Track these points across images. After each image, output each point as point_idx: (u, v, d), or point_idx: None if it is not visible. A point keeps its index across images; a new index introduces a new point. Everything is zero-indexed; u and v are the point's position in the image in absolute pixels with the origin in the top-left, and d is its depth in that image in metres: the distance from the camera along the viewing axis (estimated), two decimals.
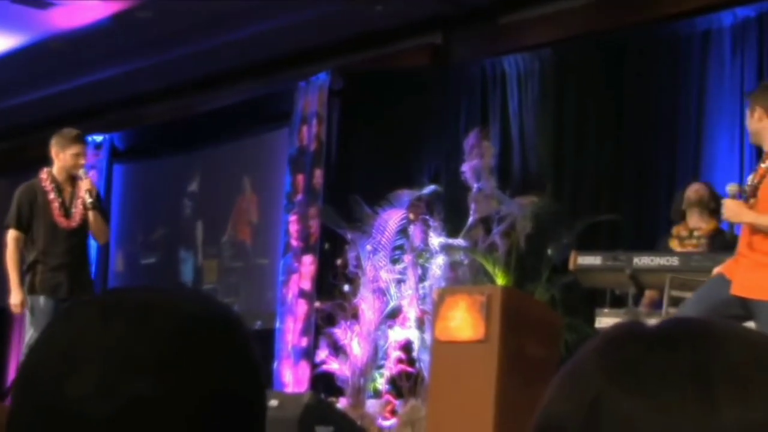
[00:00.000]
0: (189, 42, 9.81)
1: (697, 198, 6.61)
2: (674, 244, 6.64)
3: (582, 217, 7.69)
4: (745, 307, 4.47)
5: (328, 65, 9.81)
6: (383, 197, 8.41)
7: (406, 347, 8.09)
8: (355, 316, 8.31)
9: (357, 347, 8.24)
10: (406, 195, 8.37)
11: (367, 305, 8.26)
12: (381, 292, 8.27)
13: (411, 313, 8.08)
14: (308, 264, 9.48)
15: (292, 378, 9.21)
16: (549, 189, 8.02)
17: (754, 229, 4.50)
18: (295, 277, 9.55)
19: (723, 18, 7.69)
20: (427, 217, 8.25)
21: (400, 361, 8.05)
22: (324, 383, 8.50)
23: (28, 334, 6.69)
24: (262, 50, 9.96)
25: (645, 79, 8.10)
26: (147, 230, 12.05)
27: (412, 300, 8.10)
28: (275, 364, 9.34)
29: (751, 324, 4.36)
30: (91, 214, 6.58)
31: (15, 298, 6.49)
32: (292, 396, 6.69)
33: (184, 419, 0.89)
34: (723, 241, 6.16)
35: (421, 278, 8.13)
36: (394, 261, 8.32)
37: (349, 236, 8.49)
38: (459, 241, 8.08)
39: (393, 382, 8.08)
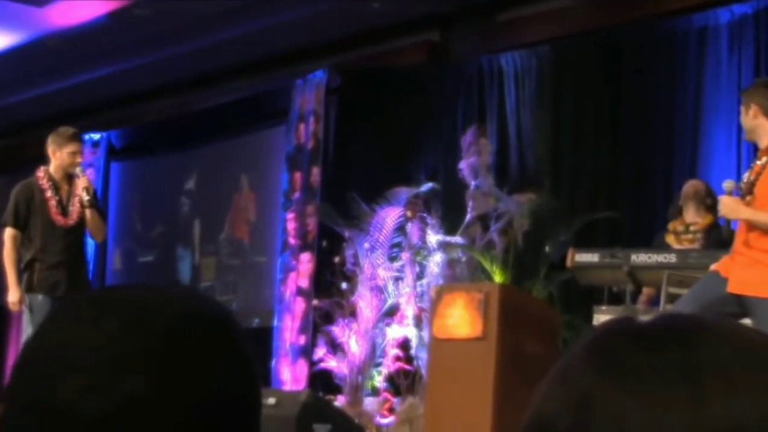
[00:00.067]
0: (186, 40, 9.80)
1: (694, 191, 6.62)
2: (670, 239, 6.65)
3: (580, 215, 7.70)
4: (741, 305, 4.47)
5: (326, 63, 9.80)
6: (381, 195, 8.42)
7: (404, 345, 8.09)
8: (353, 313, 8.31)
9: (355, 345, 8.24)
10: (404, 192, 8.37)
11: (364, 303, 8.27)
12: (379, 290, 8.27)
13: (409, 310, 8.08)
14: (306, 262, 9.48)
15: (290, 376, 9.21)
16: (546, 186, 8.02)
17: (751, 226, 4.50)
18: (292, 275, 9.54)
19: (720, 15, 7.69)
20: (425, 214, 8.25)
21: (398, 358, 8.05)
22: (322, 381, 8.50)
23: (26, 332, 6.70)
24: (260, 48, 9.95)
25: (642, 76, 8.10)
26: (144, 228, 12.04)
27: (409, 298, 8.10)
28: (273, 362, 9.34)
29: (747, 321, 4.36)
30: (88, 212, 6.58)
31: (13, 296, 6.49)
32: (290, 394, 6.69)
33: (177, 418, 0.89)
34: (719, 236, 6.17)
35: (419, 276, 8.13)
36: (392, 259, 8.32)
37: (346, 234, 8.49)
38: (457, 239, 8.08)
39: (391, 379, 8.08)
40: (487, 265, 7.87)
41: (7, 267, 6.54)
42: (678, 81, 7.87)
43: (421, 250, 8.18)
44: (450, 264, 8.04)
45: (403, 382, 7.94)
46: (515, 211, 7.82)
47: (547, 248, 7.68)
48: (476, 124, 8.47)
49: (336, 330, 8.34)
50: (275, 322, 9.58)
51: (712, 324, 0.76)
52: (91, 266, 8.12)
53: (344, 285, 8.37)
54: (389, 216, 8.35)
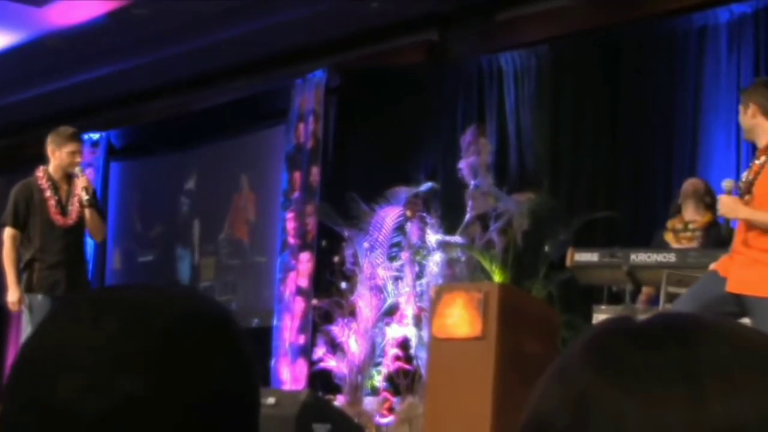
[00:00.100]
0: (185, 40, 9.80)
1: (693, 189, 6.63)
2: (669, 237, 6.65)
3: (579, 214, 7.70)
4: (740, 304, 4.47)
5: (325, 62, 9.80)
6: (380, 194, 8.42)
7: (404, 344, 8.09)
8: (352, 313, 8.31)
9: (354, 345, 8.25)
10: (403, 192, 8.37)
11: (364, 302, 8.27)
12: (378, 290, 8.27)
13: (408, 310, 8.08)
14: (305, 261, 9.48)
15: (289, 375, 9.21)
16: (546, 186, 8.02)
17: (750, 226, 4.50)
18: (292, 274, 9.55)
19: (719, 14, 7.70)
20: (424, 214, 8.25)
21: (397, 358, 8.05)
22: (321, 381, 8.50)
23: (26, 332, 6.69)
24: (259, 48, 9.95)
25: (641, 75, 8.10)
26: (144, 228, 12.04)
27: (409, 297, 8.10)
28: (273, 362, 9.34)
29: (746, 320, 4.36)
30: (87, 212, 6.57)
31: (12, 295, 6.49)
32: (290, 393, 6.69)
33: (177, 418, 0.89)
34: (718, 235, 6.17)
35: (419, 275, 8.13)
36: (392, 258, 8.32)
37: (346, 233, 8.49)
38: (456, 238, 8.08)
39: (390, 379, 8.08)
40: (486, 264, 7.87)
41: (7, 267, 6.54)
42: (677, 80, 7.87)
43: (420, 250, 8.18)
44: (449, 263, 8.04)
45: (402, 382, 7.94)
46: (514, 210, 7.82)
47: (546, 248, 7.68)
48: (475, 123, 8.47)
49: (335, 329, 8.34)
50: (275, 322, 9.58)
51: (711, 323, 0.75)
52: (90, 266, 8.12)
53: (344, 284, 8.37)
54: (389, 215, 8.35)
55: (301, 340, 9.27)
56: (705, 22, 7.77)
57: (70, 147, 6.57)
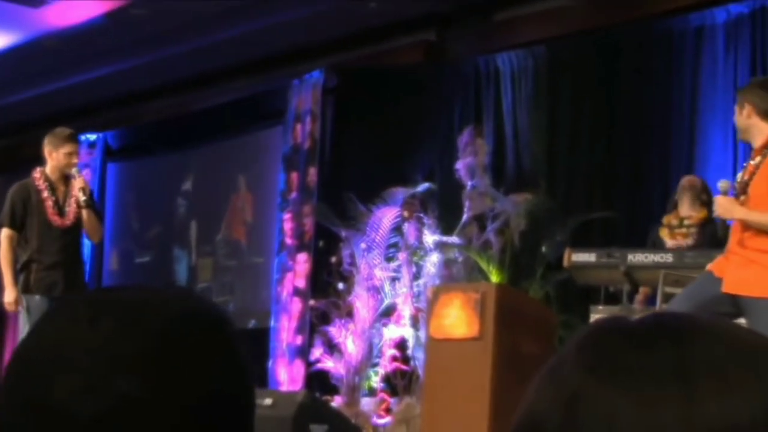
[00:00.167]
0: (182, 40, 9.80)
1: (690, 184, 6.65)
2: (664, 233, 6.66)
3: (576, 215, 7.70)
4: (736, 305, 4.47)
5: (322, 63, 9.80)
6: (377, 195, 8.42)
7: (401, 345, 8.09)
8: (349, 314, 8.31)
9: (352, 345, 8.24)
10: (401, 193, 8.37)
11: (361, 303, 8.27)
12: (375, 290, 8.27)
13: (405, 310, 8.08)
14: (303, 262, 9.47)
15: (286, 376, 9.21)
16: (543, 186, 8.03)
17: (745, 226, 4.50)
18: (289, 275, 9.54)
19: (716, 15, 7.70)
20: (422, 214, 8.26)
21: (394, 359, 8.05)
22: (319, 381, 8.50)
23: (23, 333, 6.69)
24: (256, 48, 9.95)
25: (638, 76, 8.11)
26: (141, 229, 12.04)
27: (406, 298, 8.10)
28: (270, 363, 9.34)
29: (741, 321, 4.36)
30: (84, 213, 6.57)
31: (9, 296, 6.49)
32: (287, 394, 6.68)
33: (173, 419, 0.89)
34: (713, 232, 6.17)
35: (416, 276, 8.13)
36: (389, 259, 8.32)
37: (343, 234, 8.49)
38: (453, 239, 8.08)
39: (388, 380, 8.08)
40: (483, 265, 7.87)
41: (3, 267, 6.54)
42: (674, 80, 7.88)
43: (417, 251, 8.18)
44: (447, 264, 8.05)
45: (400, 383, 7.94)
46: (512, 211, 7.82)
47: (543, 248, 7.68)
48: (473, 124, 8.48)
49: (333, 330, 8.34)
50: (272, 323, 9.58)
51: (705, 323, 0.75)
52: (87, 267, 8.12)
53: (341, 285, 8.37)
54: (386, 216, 8.35)
55: (299, 340, 9.26)
56: (702, 22, 7.78)
57: (67, 148, 6.57)
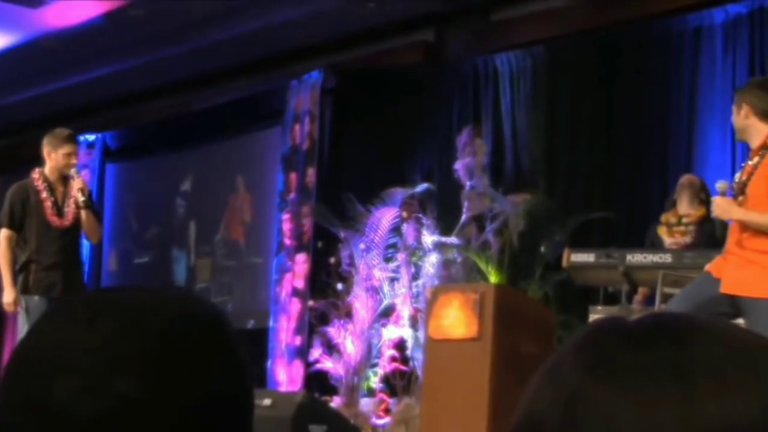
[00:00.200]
0: (181, 40, 9.80)
1: (689, 182, 6.66)
2: (662, 231, 6.67)
3: (575, 215, 7.70)
4: (734, 305, 4.47)
5: (321, 63, 9.80)
6: (376, 195, 8.42)
7: (400, 345, 8.09)
8: (348, 314, 8.31)
9: (350, 346, 8.24)
10: (399, 193, 8.37)
11: (360, 304, 8.27)
12: (374, 291, 8.27)
13: (404, 311, 8.08)
14: (301, 263, 9.47)
15: (285, 377, 9.21)
16: (542, 186, 8.03)
17: (744, 227, 4.50)
18: (288, 275, 9.54)
19: (715, 15, 7.71)
20: (420, 215, 8.26)
21: (393, 359, 8.05)
22: (318, 382, 8.50)
23: (22, 333, 6.68)
24: (255, 48, 9.95)
25: (637, 76, 8.11)
26: (140, 229, 12.04)
27: (405, 298, 8.10)
28: (269, 363, 9.34)
29: (740, 321, 4.36)
30: (83, 214, 6.57)
31: (8, 296, 6.49)
32: (286, 395, 6.68)
33: (172, 419, 0.89)
34: (712, 230, 6.16)
35: (415, 276, 8.13)
36: (388, 259, 8.32)
37: (342, 235, 8.49)
38: (452, 239, 8.08)
39: (387, 380, 8.08)
40: (482, 265, 7.87)
41: (3, 268, 6.54)
42: (673, 81, 7.88)
43: (416, 251, 8.18)
44: (445, 264, 8.04)
45: (398, 383, 7.94)
46: (510, 211, 7.82)
47: (542, 248, 7.68)
48: (471, 124, 8.48)
49: (332, 331, 8.34)
50: (271, 323, 9.58)
51: (704, 323, 0.75)
52: (86, 267, 8.12)
53: (340, 286, 8.37)
54: (385, 216, 8.35)
55: (298, 341, 9.26)
56: (700, 23, 7.79)
57: (65, 149, 6.57)
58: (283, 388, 8.95)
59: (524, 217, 7.78)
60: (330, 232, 8.73)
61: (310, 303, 8.89)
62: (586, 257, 6.28)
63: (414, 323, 7.99)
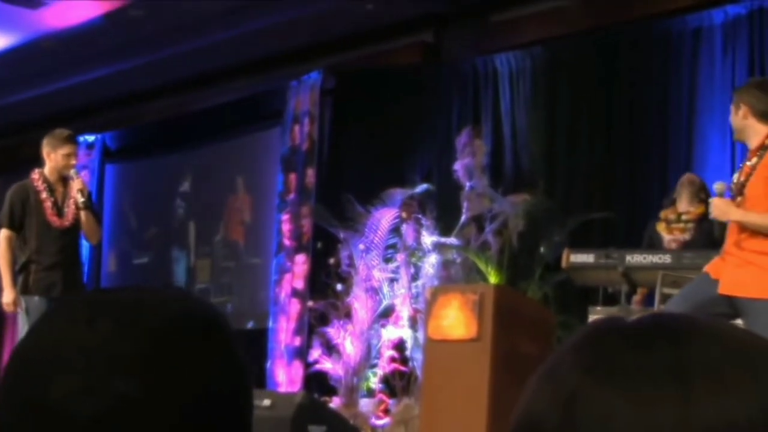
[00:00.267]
0: (180, 41, 9.80)
1: (689, 181, 6.67)
2: (661, 228, 6.67)
3: (574, 215, 7.70)
4: (733, 306, 4.46)
5: (320, 64, 9.81)
6: (376, 196, 8.42)
7: (399, 346, 8.09)
8: (348, 315, 8.31)
9: (350, 346, 8.24)
10: (399, 194, 8.37)
11: (359, 304, 8.26)
12: (374, 291, 8.27)
13: (404, 312, 8.08)
14: (301, 263, 9.48)
15: (285, 377, 9.21)
16: (541, 187, 8.03)
17: (742, 228, 4.49)
18: (287, 276, 9.54)
19: (714, 15, 7.71)
20: (420, 215, 8.25)
21: (393, 360, 8.05)
22: (317, 382, 8.50)
23: (22, 334, 6.68)
24: (254, 49, 9.95)
25: (637, 76, 8.11)
26: (139, 230, 12.04)
27: (404, 299, 8.10)
28: (268, 364, 9.34)
29: (738, 322, 4.36)
30: (82, 214, 6.57)
31: (7, 296, 6.49)
32: (285, 395, 6.68)
33: (171, 419, 0.89)
34: (710, 229, 6.17)
35: (414, 277, 8.13)
36: (387, 260, 8.32)
37: (341, 235, 8.49)
38: (451, 240, 8.08)
39: (386, 381, 8.08)
40: (482, 266, 7.87)
41: (2, 268, 6.54)
42: (672, 81, 7.88)
43: (416, 252, 8.18)
44: (445, 265, 8.04)
45: (398, 384, 7.94)
46: (510, 211, 7.82)
47: (542, 249, 7.69)
48: (471, 124, 8.48)
49: (331, 331, 8.34)
50: (270, 324, 9.58)
51: (703, 323, 0.75)
52: (86, 268, 8.12)
53: (339, 286, 8.37)
54: (384, 217, 8.35)
55: (297, 341, 9.26)
56: (700, 24, 7.79)
57: (65, 149, 6.57)
58: (283, 388, 8.95)
59: (524, 218, 7.78)
60: (329, 233, 8.73)
61: (310, 303, 8.89)
62: (585, 258, 6.28)
63: (413, 324, 7.98)
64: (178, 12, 9.15)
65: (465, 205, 8.07)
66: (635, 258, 6.13)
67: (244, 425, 0.95)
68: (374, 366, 8.21)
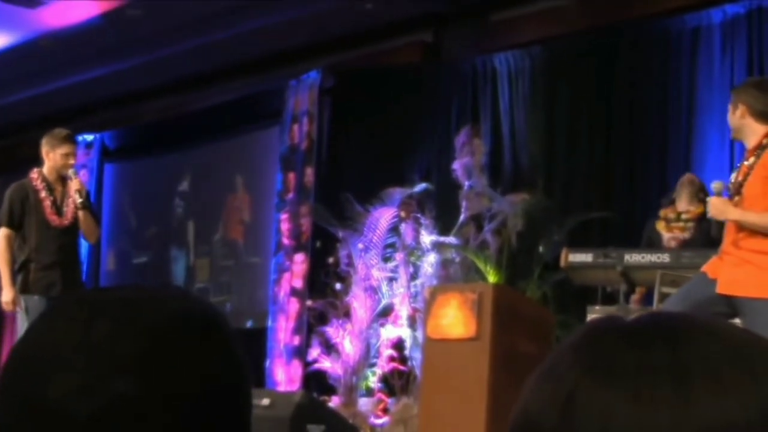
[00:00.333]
0: (178, 40, 9.79)
1: (689, 180, 6.67)
2: (661, 227, 6.67)
3: (573, 215, 7.71)
4: (731, 305, 4.46)
5: (319, 63, 9.80)
6: (375, 195, 8.42)
7: (398, 345, 8.09)
8: (347, 314, 8.31)
9: (349, 345, 8.24)
10: (398, 193, 8.37)
11: (358, 303, 8.26)
12: (373, 291, 8.27)
13: (403, 311, 8.08)
14: (300, 262, 9.47)
15: (284, 377, 9.21)
16: (540, 186, 8.03)
17: (740, 227, 4.49)
18: (286, 275, 9.54)
19: (713, 15, 7.71)
20: (419, 215, 8.26)
21: (392, 359, 8.05)
22: (316, 382, 8.50)
23: (21, 333, 6.67)
24: (253, 48, 9.95)
25: (636, 75, 8.12)
26: (138, 229, 12.03)
27: (403, 298, 8.10)
28: (267, 363, 9.34)
29: (736, 321, 4.36)
30: (81, 214, 6.58)
31: (6, 295, 6.49)
32: (284, 394, 6.68)
33: (168, 418, 0.89)
34: (710, 228, 6.17)
35: (413, 276, 8.13)
36: (386, 259, 8.32)
37: (340, 234, 8.49)
38: (450, 239, 8.08)
39: (385, 380, 8.08)
40: (480, 265, 7.87)
41: (1, 267, 6.54)
42: (671, 81, 7.89)
43: (414, 251, 8.18)
44: (444, 264, 8.04)
45: (397, 383, 7.94)
46: (509, 211, 7.82)
47: (540, 248, 7.69)
48: (470, 124, 8.48)
49: (330, 330, 8.34)
50: (269, 323, 9.58)
51: (701, 323, 0.75)
52: (84, 267, 8.12)
53: (338, 285, 8.37)
54: (383, 216, 8.35)
55: (296, 341, 9.26)
56: (698, 23, 7.79)
57: (63, 149, 6.58)
58: (282, 387, 8.95)
59: (522, 217, 7.78)
60: (328, 232, 8.73)
61: (309, 303, 8.89)
62: (584, 257, 6.28)
63: (412, 323, 7.99)
64: (176, 11, 9.15)
65: (464, 204, 8.07)
66: (634, 257, 6.13)
67: (243, 424, 0.95)
68: (373, 365, 8.21)
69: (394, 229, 8.34)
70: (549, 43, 8.62)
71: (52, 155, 6.59)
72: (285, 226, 9.68)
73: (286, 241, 9.64)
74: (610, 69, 8.25)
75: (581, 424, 0.71)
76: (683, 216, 6.63)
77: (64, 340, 0.91)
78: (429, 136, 9.16)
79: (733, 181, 4.59)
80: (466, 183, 8.08)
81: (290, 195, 9.74)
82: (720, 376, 0.71)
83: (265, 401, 5.75)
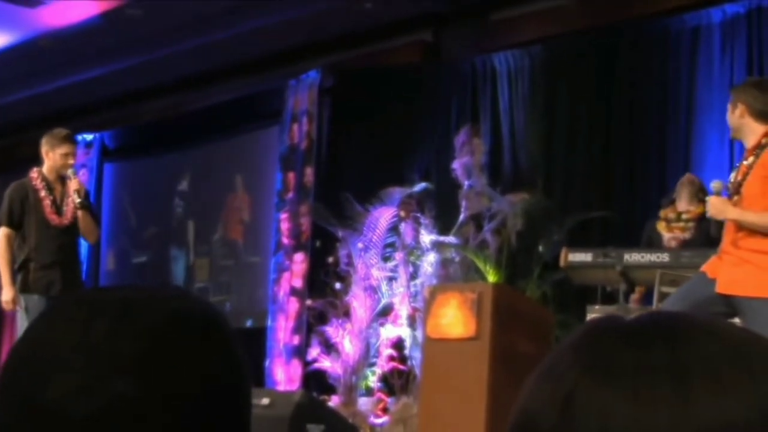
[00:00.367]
0: (178, 40, 9.79)
1: (689, 180, 6.68)
2: (661, 227, 6.67)
3: (572, 214, 7.71)
4: (730, 305, 4.46)
5: (319, 63, 9.80)
6: (374, 195, 8.42)
7: (398, 345, 8.09)
8: (346, 313, 8.31)
9: (349, 345, 8.24)
10: (397, 192, 8.37)
11: (358, 303, 8.27)
12: (372, 290, 8.27)
13: (402, 310, 8.08)
14: (299, 262, 9.47)
15: (283, 376, 9.21)
16: (540, 186, 8.03)
17: (739, 227, 4.49)
18: (286, 275, 9.54)
19: (712, 14, 7.71)
20: (418, 214, 8.26)
21: (391, 358, 8.05)
22: (316, 381, 8.50)
23: (21, 332, 6.67)
24: (253, 48, 9.95)
25: (635, 75, 8.12)
26: (138, 229, 12.03)
27: (403, 297, 8.10)
28: (267, 363, 9.34)
29: (736, 321, 4.36)
30: (80, 214, 6.58)
31: (6, 295, 6.49)
32: (284, 394, 6.68)
33: (167, 418, 0.89)
34: (710, 228, 6.17)
35: (413, 276, 8.13)
36: (386, 259, 8.32)
37: (340, 234, 8.49)
38: (450, 239, 8.08)
39: (385, 379, 8.08)
40: (480, 264, 7.87)
41: (1, 266, 6.54)
42: (671, 80, 7.89)
43: (414, 250, 8.18)
44: (443, 264, 8.04)
45: (396, 382, 7.94)
46: (508, 210, 7.82)
47: (540, 248, 7.69)
48: (469, 123, 8.48)
49: (330, 330, 8.34)
50: (269, 323, 9.58)
51: (701, 322, 0.75)
52: (84, 267, 8.12)
53: (338, 285, 8.37)
54: (383, 216, 8.35)
55: (296, 340, 9.26)
56: (698, 22, 7.79)
57: (63, 149, 6.58)
58: (281, 387, 8.95)
59: (522, 217, 7.78)
60: (328, 232, 8.73)
61: (308, 302, 8.89)
62: (583, 257, 6.29)
63: (412, 322, 7.99)
64: (176, 11, 9.15)
65: (463, 203, 8.07)
66: (633, 257, 6.13)
67: (243, 424, 0.95)
68: (373, 365, 8.21)
69: (393, 229, 8.34)
70: (549, 43, 8.62)
71: (51, 155, 6.59)
72: (285, 226, 9.68)
73: (285, 240, 9.64)
74: (610, 69, 8.25)
75: (580, 423, 0.71)
76: (683, 216, 6.63)
77: (64, 340, 0.91)
78: (429, 136, 9.16)
79: (732, 180, 4.59)
80: (466, 182, 8.08)
81: (290, 194, 9.75)
82: (719, 376, 0.71)
83: (265, 401, 5.75)
